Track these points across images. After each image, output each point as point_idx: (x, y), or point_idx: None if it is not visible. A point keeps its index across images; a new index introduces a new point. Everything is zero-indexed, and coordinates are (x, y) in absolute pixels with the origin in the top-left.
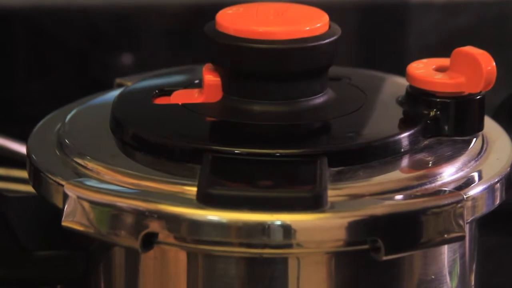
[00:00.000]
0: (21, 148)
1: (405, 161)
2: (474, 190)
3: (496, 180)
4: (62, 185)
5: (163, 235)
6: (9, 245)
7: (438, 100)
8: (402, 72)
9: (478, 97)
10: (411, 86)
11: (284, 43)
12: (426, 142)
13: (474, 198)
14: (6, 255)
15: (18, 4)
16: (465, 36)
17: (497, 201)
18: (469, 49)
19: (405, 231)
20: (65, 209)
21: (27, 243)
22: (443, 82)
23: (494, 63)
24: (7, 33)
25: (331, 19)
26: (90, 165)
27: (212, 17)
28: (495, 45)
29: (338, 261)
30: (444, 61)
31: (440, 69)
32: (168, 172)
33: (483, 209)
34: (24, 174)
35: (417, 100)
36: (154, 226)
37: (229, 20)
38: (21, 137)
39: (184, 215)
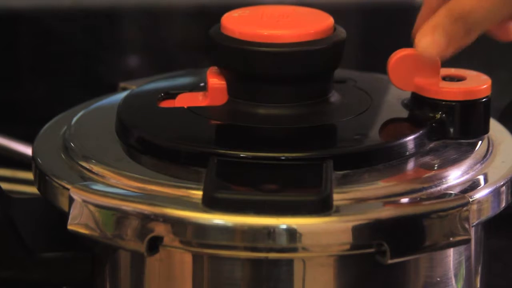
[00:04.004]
0: (27, 150)
1: (410, 164)
2: (480, 193)
3: (502, 183)
4: (68, 189)
5: (169, 239)
6: (15, 246)
7: (443, 103)
8: None
9: (484, 99)
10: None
11: (289, 46)
12: (431, 145)
13: (479, 201)
14: (11, 256)
15: (23, 6)
16: None
17: (503, 204)
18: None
19: (410, 235)
20: (70, 212)
21: (33, 244)
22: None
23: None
24: (12, 35)
25: (336, 21)
26: (95, 168)
27: (217, 20)
28: (500, 47)
29: (344, 264)
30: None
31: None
32: (174, 175)
33: (488, 212)
34: (29, 175)
35: (422, 103)
36: (159, 230)
37: (235, 23)
38: (26, 139)
39: (189, 218)
